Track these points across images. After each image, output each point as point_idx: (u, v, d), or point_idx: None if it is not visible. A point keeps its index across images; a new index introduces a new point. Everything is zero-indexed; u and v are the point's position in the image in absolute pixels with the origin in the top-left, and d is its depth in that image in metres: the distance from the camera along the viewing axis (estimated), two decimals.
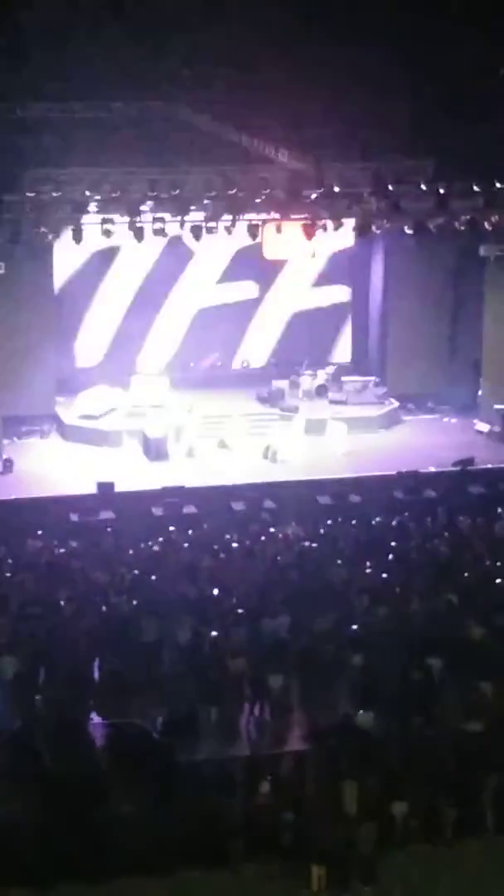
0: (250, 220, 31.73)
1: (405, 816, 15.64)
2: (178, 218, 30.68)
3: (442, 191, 30.93)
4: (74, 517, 28.25)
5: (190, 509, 28.61)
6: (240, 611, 21.74)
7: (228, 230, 31.89)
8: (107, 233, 30.89)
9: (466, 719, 17.64)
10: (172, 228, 31.13)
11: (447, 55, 31.59)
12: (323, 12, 30.73)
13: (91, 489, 29.41)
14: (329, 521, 27.84)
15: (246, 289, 37.34)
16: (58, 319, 34.83)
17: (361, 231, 32.50)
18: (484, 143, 30.94)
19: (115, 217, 30.28)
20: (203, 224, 31.26)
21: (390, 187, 30.67)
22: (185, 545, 26.29)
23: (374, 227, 32.52)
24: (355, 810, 15.49)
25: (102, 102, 30.95)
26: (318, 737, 17.27)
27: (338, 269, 37.61)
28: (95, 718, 17.67)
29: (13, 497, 29.68)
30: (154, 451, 32.73)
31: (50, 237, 30.96)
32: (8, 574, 24.37)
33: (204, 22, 30.31)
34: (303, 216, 31.96)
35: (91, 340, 36.13)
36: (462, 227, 32.12)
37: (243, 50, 30.28)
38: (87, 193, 29.89)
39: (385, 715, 17.54)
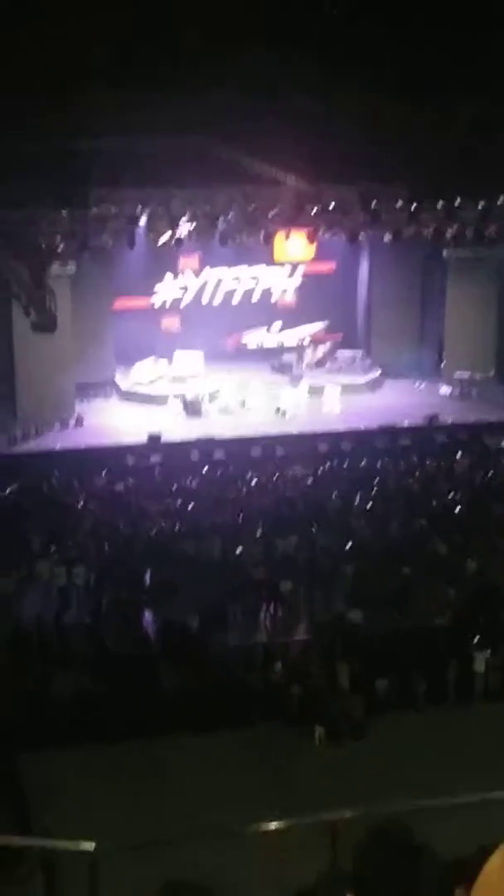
0: (264, 230, 31.48)
1: (386, 690, 15.61)
2: (210, 228, 30.50)
3: (413, 208, 30.69)
4: (130, 460, 28.16)
5: (219, 454, 28.52)
6: (258, 532, 21.70)
7: (247, 238, 31.68)
8: (154, 241, 30.68)
9: (434, 615, 17.59)
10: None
11: (422, 103, 31.16)
12: (322, 68, 30.26)
13: (143, 439, 29.33)
14: (327, 464, 27.72)
15: (263, 284, 37.01)
16: (117, 309, 34.56)
17: (351, 239, 32.20)
18: (445, 171, 30.65)
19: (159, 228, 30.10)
20: (228, 232, 31.08)
21: (373, 205, 30.43)
22: (216, 483, 26.23)
23: (360, 236, 32.23)
24: (348, 685, 15.48)
25: (149, 136, 30.56)
26: (319, 629, 17.25)
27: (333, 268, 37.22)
28: (147, 614, 17.63)
29: (83, 445, 29.67)
30: (191, 409, 32.63)
31: (109, 244, 30.66)
32: (80, 504, 24.34)
33: (227, 76, 29.83)
34: (305, 227, 31.75)
35: (143, 325, 35.78)
36: (429, 236, 31.84)
37: (257, 96, 29.91)
38: (139, 208, 29.65)
39: (371, 612, 17.49)
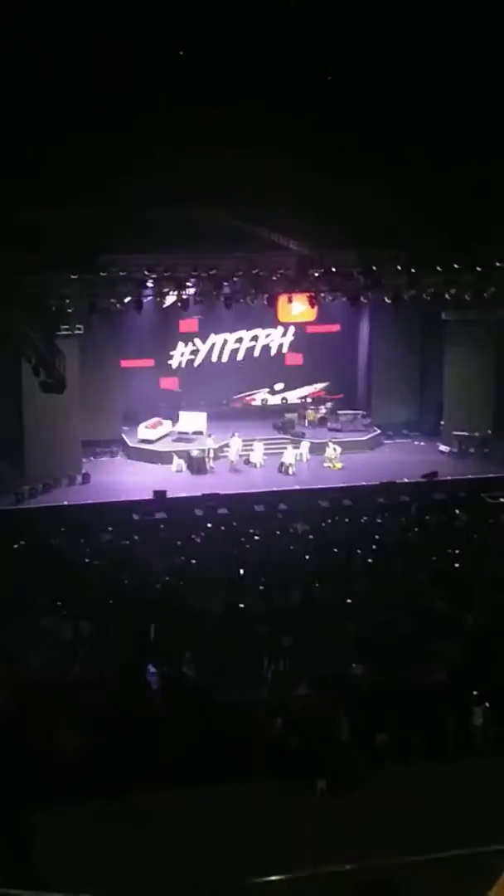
0: (268, 293, 31.76)
1: (386, 743, 15.49)
2: (214, 291, 30.76)
3: (412, 271, 30.96)
4: (136, 517, 28.21)
5: (223, 510, 28.55)
6: (261, 587, 21.66)
7: (252, 300, 31.96)
8: (160, 304, 30.94)
9: (433, 669, 17.49)
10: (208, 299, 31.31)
11: (419, 171, 31.61)
12: (323, 136, 30.75)
13: (148, 496, 29.38)
14: (328, 520, 27.72)
15: (265, 346, 37.26)
16: (123, 369, 34.79)
17: (352, 301, 32.48)
18: (444, 238, 31.01)
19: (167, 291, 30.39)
20: (232, 295, 31.35)
21: (374, 268, 30.71)
22: (219, 538, 26.22)
23: (362, 298, 32.50)
24: (348, 738, 15.38)
25: (156, 205, 30.96)
26: (321, 683, 17.14)
27: (334, 330, 37.46)
28: (151, 668, 17.56)
29: (90, 501, 29.72)
30: (196, 467, 32.72)
31: (117, 306, 30.95)
32: (86, 560, 24.33)
33: (232, 154, 30.28)
34: (308, 290, 32.02)
35: (148, 384, 35.97)
36: (428, 298, 32.09)
37: (260, 170, 30.35)
38: (146, 273, 29.96)
39: (371, 666, 17.40)
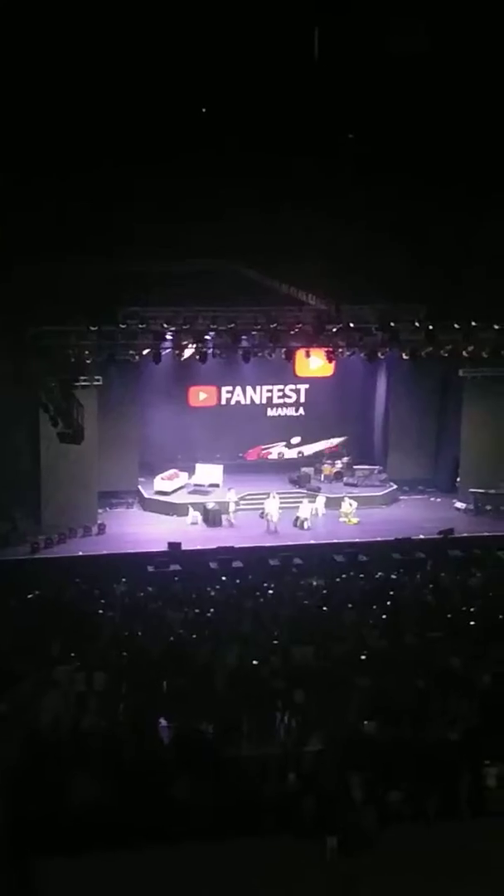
0: (286, 347, 32.02)
1: (399, 802, 15.41)
2: (232, 345, 31.03)
3: (430, 327, 31.20)
4: (150, 568, 28.28)
5: (238, 564, 28.58)
6: (275, 642, 21.64)
7: (269, 354, 32.22)
8: (178, 356, 31.23)
9: (447, 729, 17.41)
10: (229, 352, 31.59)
11: (437, 227, 31.96)
12: (342, 193, 31.16)
13: (163, 547, 29.46)
14: (343, 575, 27.72)
15: (282, 400, 37.51)
16: (142, 420, 35.04)
17: (370, 357, 32.66)
18: (461, 294, 31.25)
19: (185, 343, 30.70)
20: (250, 349, 31.61)
21: (392, 325, 30.94)
22: (234, 591, 26.23)
23: (379, 354, 32.72)
24: (361, 796, 15.30)
25: (177, 261, 31.38)
26: (333, 740, 17.08)
27: (351, 385, 37.66)
28: (163, 722, 17.54)
29: (105, 552, 29.81)
30: (211, 519, 32.81)
31: (136, 358, 31.27)
32: (100, 611, 24.37)
33: (253, 209, 30.73)
34: (325, 345, 32.28)
35: (165, 436, 36.18)
36: (445, 355, 32.26)
37: (279, 225, 30.77)
38: (164, 325, 30.28)
39: (384, 724, 17.34)
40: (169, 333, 30.41)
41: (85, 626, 22.78)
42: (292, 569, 28.34)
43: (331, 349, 32.32)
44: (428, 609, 24.31)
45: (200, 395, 36.42)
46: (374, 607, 24.19)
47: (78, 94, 29.54)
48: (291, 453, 37.56)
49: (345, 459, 36.92)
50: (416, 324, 31.28)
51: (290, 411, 37.61)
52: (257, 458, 37.22)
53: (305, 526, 32.52)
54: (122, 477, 34.40)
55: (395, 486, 36.17)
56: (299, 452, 37.53)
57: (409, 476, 36.78)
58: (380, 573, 27.76)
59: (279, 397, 37.41)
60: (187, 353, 31.17)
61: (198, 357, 31.17)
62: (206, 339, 30.64)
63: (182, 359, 31.59)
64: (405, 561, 29.04)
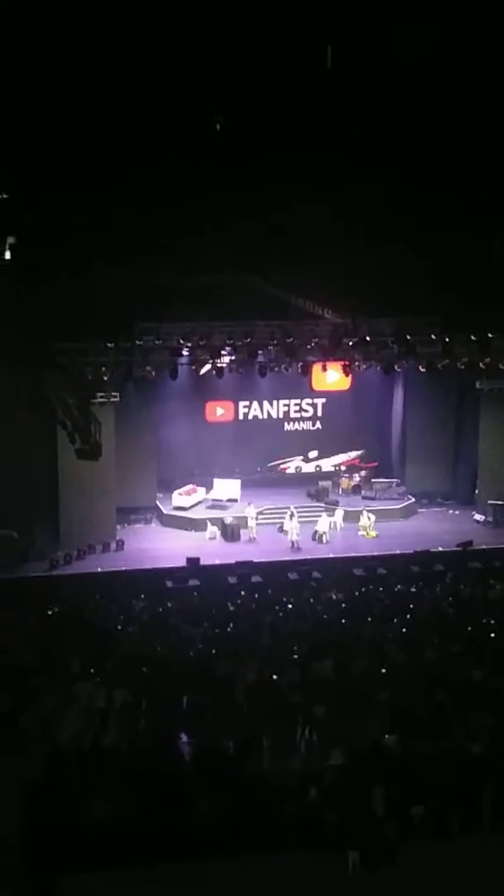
0: (302, 361, 32.04)
1: (421, 816, 15.34)
2: (249, 359, 31.06)
3: (447, 340, 31.16)
4: (169, 584, 28.25)
5: (257, 578, 28.54)
6: (294, 656, 21.58)
7: (286, 369, 32.25)
8: (196, 371, 31.27)
9: (469, 742, 17.33)
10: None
11: (455, 246, 31.98)
12: (356, 207, 31.21)
13: (182, 563, 29.44)
14: (362, 588, 27.64)
15: (299, 414, 37.52)
16: (158, 436, 35.09)
17: (386, 370, 32.67)
18: (478, 307, 31.22)
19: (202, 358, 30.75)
20: (267, 364, 31.64)
21: (408, 337, 30.92)
22: (253, 606, 26.19)
23: (396, 367, 32.68)
24: (382, 811, 15.24)
25: (193, 274, 31.47)
26: (355, 754, 17.02)
27: (368, 398, 37.62)
28: (184, 738, 17.51)
29: (123, 568, 29.83)
30: (230, 534, 32.79)
31: (153, 374, 31.34)
32: (119, 627, 24.37)
33: (269, 223, 30.81)
34: (342, 359, 32.27)
35: (183, 451, 36.20)
36: (462, 367, 32.23)
37: (295, 239, 30.83)
38: (181, 341, 30.35)
39: (406, 738, 17.27)
40: (185, 349, 30.49)
41: (105, 642, 22.79)
42: (311, 583, 28.29)
43: (347, 363, 32.34)
44: (448, 622, 24.21)
45: (217, 411, 36.45)
46: (395, 620, 24.12)
47: (88, 109, 29.70)
48: (309, 467, 37.52)
49: (363, 473, 36.82)
50: (433, 336, 31.25)
51: (308, 425, 37.59)
52: (274, 473, 37.19)
53: (324, 540, 32.46)
54: (141, 493, 34.43)
55: (413, 499, 36.08)
56: (317, 467, 37.48)
57: (428, 489, 36.68)
58: (399, 586, 27.67)
59: (296, 411, 37.40)
60: (204, 368, 31.21)
61: (214, 372, 31.22)
62: (223, 355, 30.68)
63: (199, 374, 31.57)
64: (424, 574, 28.95)
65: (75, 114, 29.58)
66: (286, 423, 37.37)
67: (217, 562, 29.84)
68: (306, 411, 37.48)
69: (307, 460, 37.54)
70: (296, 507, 33.43)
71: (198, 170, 30.99)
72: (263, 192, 30.75)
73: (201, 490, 35.08)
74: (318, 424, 37.63)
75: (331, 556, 30.90)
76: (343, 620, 24.35)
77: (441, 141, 31.45)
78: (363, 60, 30.33)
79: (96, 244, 29.87)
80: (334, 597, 26.65)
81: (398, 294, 31.38)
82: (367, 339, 31.16)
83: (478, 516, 34.89)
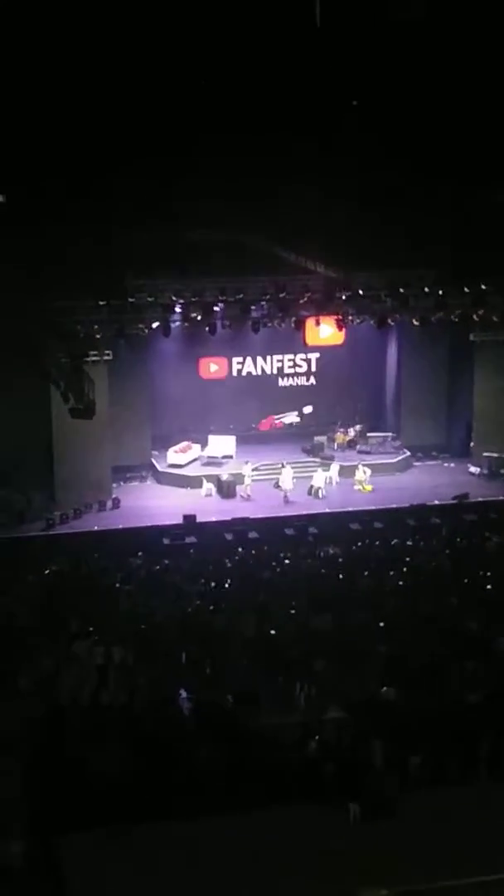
0: (295, 316, 31.86)
1: (419, 767, 15.42)
2: (242, 315, 30.88)
3: (440, 293, 30.98)
4: (166, 541, 28.29)
5: (253, 535, 28.58)
6: (292, 611, 21.64)
7: (279, 324, 32.08)
8: (188, 328, 31.09)
9: (466, 693, 17.40)
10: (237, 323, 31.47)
11: (447, 199, 31.71)
12: (351, 159, 30.90)
13: (178, 520, 29.45)
14: (359, 543, 27.68)
15: (293, 369, 37.38)
16: (152, 393, 34.97)
17: (380, 324, 32.52)
18: (470, 258, 31.02)
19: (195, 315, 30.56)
20: (260, 319, 31.47)
21: (402, 291, 30.74)
22: (250, 562, 26.23)
23: (389, 321, 32.54)
24: (381, 762, 15.32)
25: (184, 229, 31.19)
26: (353, 707, 17.09)
27: (362, 352, 37.46)
28: (183, 694, 17.57)
29: (120, 526, 29.84)
30: (226, 490, 32.78)
31: (145, 332, 31.16)
32: (116, 584, 24.41)
33: (259, 179, 30.48)
34: (335, 313, 32.09)
35: (177, 409, 36.09)
36: (456, 320, 32.11)
37: (286, 194, 30.54)
38: (173, 298, 30.15)
39: (403, 690, 17.34)
40: (178, 306, 30.29)
41: (102, 601, 22.83)
42: (308, 538, 28.32)
43: (340, 317, 32.16)
44: (444, 574, 24.26)
45: (211, 367, 36.29)
46: (391, 574, 24.16)
47: (74, 73, 29.27)
48: (304, 421, 37.44)
49: (358, 427, 36.74)
50: (426, 289, 31.06)
51: (302, 381, 37.46)
52: (270, 429, 37.11)
53: (320, 495, 32.47)
54: (135, 451, 34.39)
55: (408, 453, 36.07)
56: (310, 421, 37.36)
57: (423, 442, 36.65)
58: (395, 540, 27.71)
59: (290, 367, 37.25)
60: (197, 325, 31.03)
61: (207, 328, 31.05)
62: (215, 311, 30.50)
63: (192, 330, 31.37)
64: (420, 527, 28.99)
65: (63, 73, 29.18)
66: (280, 379, 37.23)
67: (213, 518, 29.86)
68: (300, 367, 37.33)
69: (302, 416, 37.44)
70: (288, 463, 33.39)
71: (188, 127, 30.63)
72: (257, 152, 30.38)
73: (196, 447, 35.01)
74: (313, 380, 37.50)
75: (327, 510, 30.93)
76: (340, 575, 24.40)
77: (441, 101, 31.07)
78: (350, 18, 29.88)
79: (88, 202, 29.53)
80: (331, 551, 26.69)
81: (391, 248, 31.11)
82: (360, 293, 30.96)
83: (473, 468, 34.92)
